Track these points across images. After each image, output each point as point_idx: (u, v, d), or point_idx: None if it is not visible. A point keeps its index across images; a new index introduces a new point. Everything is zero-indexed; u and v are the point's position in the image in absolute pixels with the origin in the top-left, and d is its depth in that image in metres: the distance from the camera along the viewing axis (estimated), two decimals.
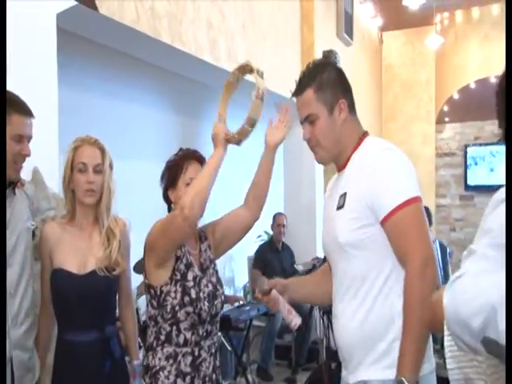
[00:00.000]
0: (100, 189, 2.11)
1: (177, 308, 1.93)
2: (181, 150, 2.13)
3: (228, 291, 5.81)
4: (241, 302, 4.61)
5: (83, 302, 2.05)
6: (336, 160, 1.76)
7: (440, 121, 8.63)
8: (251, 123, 1.90)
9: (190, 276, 1.97)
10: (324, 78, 1.70)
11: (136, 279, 3.58)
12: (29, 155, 2.00)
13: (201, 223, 2.14)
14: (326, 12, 6.35)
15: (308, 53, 5.88)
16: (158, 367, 1.93)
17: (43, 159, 2.48)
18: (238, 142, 1.96)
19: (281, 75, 5.51)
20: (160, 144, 4.97)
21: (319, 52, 5.93)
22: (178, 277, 1.96)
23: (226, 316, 4.05)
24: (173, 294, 1.94)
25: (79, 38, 3.56)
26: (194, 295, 1.94)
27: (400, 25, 8.32)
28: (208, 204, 1.89)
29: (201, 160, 2.07)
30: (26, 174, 2.56)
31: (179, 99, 5.30)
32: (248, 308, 4.51)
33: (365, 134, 1.74)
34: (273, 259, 5.42)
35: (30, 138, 2.01)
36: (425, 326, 1.42)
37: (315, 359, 5.20)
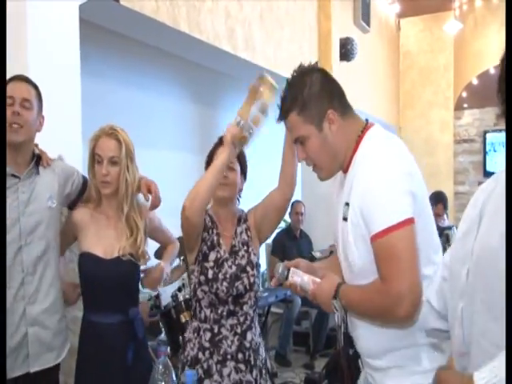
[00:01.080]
0: (116, 180, 2.14)
1: (196, 286, 2.07)
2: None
3: None
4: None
5: (108, 285, 2.12)
6: (340, 168, 1.65)
7: (458, 107, 8.56)
8: (249, 131, 1.88)
9: (211, 257, 2.08)
10: (305, 96, 1.57)
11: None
12: (19, 114, 2.01)
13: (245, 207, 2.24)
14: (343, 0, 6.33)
15: (325, 41, 5.87)
16: (187, 339, 2.11)
17: (67, 148, 2.54)
18: (242, 146, 1.94)
19: (297, 63, 5.52)
20: (178, 133, 5.02)
21: (336, 40, 5.92)
22: (200, 258, 2.08)
23: None
24: (196, 273, 2.08)
25: (100, 29, 3.61)
26: (210, 275, 2.04)
27: (418, 11, 8.24)
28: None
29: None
30: None
31: (197, 88, 5.33)
32: (266, 294, 4.53)
33: (363, 131, 1.60)
34: (291, 246, 5.46)
35: (24, 101, 2.05)
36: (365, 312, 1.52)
37: (333, 345, 5.22)
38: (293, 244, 5.51)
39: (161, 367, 1.66)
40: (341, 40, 5.91)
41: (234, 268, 2.07)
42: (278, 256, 5.32)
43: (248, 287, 2.07)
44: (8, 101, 1.99)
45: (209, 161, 2.14)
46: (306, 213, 5.67)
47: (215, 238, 2.12)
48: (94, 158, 2.16)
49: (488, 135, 8.37)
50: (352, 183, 1.54)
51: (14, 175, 2.03)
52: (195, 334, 2.08)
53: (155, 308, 3.58)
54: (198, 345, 2.05)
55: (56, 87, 2.68)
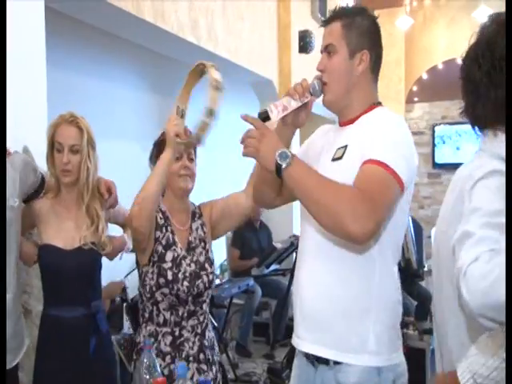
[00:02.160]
0: (77, 168, 2.09)
1: (154, 289, 1.97)
2: None
3: None
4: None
5: (70, 276, 2.08)
6: (341, 112, 1.65)
7: (409, 100, 8.82)
8: (209, 115, 1.75)
9: (168, 257, 1.99)
10: (356, 20, 1.58)
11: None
12: None
13: (199, 200, 2.17)
14: None
15: (284, 32, 5.90)
16: (140, 346, 1.97)
17: (32, 139, 2.48)
18: (199, 140, 1.82)
19: (258, 55, 5.53)
20: (139, 124, 4.94)
21: (295, 32, 5.96)
22: (156, 258, 1.99)
23: None
24: (150, 275, 1.98)
25: (62, 17, 3.50)
26: (170, 277, 1.96)
27: (371, 6, 8.35)
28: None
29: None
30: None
31: (158, 79, 5.25)
32: (228, 286, 4.56)
33: (379, 103, 1.64)
34: (251, 238, 5.47)
35: None
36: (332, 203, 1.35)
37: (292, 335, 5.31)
38: (253, 235, 5.53)
39: (145, 361, 1.64)
40: (299, 32, 5.95)
41: (192, 266, 2.01)
42: (238, 248, 5.35)
43: (207, 285, 2.02)
44: None
45: (155, 155, 2.06)
46: None
47: (170, 236, 2.02)
48: (54, 146, 2.09)
49: (437, 128, 8.67)
50: (356, 132, 1.54)
51: None
52: (151, 339, 1.95)
53: (121, 301, 3.52)
54: (156, 351, 1.93)
55: (22, 76, 2.60)
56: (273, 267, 5.35)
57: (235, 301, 5.08)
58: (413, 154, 1.51)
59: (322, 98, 1.64)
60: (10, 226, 1.99)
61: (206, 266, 2.05)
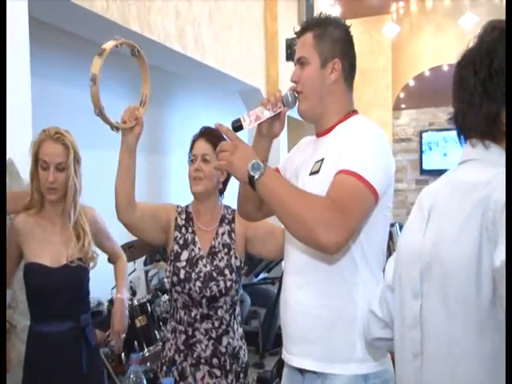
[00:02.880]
0: (64, 185, 2.07)
1: (170, 286, 2.03)
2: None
3: None
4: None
5: (58, 294, 2.06)
6: (317, 121, 1.66)
7: (397, 107, 8.85)
8: (92, 79, 1.77)
9: (183, 256, 2.02)
10: (328, 30, 1.60)
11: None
12: None
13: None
14: (288, 0, 6.39)
15: (272, 41, 5.92)
16: (165, 338, 2.09)
17: (17, 151, 2.44)
18: (98, 111, 1.81)
19: (246, 63, 5.54)
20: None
21: (283, 40, 5.97)
22: (172, 257, 2.03)
23: None
24: (167, 273, 2.04)
25: (48, 27, 3.48)
26: (182, 275, 1.99)
27: (358, 13, 8.43)
28: None
29: (206, 134, 2.07)
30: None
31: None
32: None
33: (355, 112, 1.64)
34: None
35: None
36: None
37: (282, 344, 5.28)
38: None
39: (132, 376, 1.62)
40: (287, 40, 5.95)
41: (208, 267, 2.00)
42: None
43: (224, 291, 1.99)
44: None
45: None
46: None
47: (189, 237, 2.05)
48: (38, 163, 2.07)
49: (424, 135, 8.70)
50: (332, 143, 1.55)
51: None
52: (173, 335, 2.04)
53: (109, 314, 3.49)
54: (175, 346, 2.02)
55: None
56: (262, 276, 5.32)
57: None
58: (389, 162, 1.51)
59: (296, 108, 1.66)
60: None
61: (226, 272, 2.01)
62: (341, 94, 1.62)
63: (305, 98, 1.62)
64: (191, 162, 2.07)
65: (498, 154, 1.11)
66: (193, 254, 2.03)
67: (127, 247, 3.41)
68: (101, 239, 2.28)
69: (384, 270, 1.42)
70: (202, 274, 2.00)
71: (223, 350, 2.02)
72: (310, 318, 1.55)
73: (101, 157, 4.33)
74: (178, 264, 2.01)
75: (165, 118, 5.37)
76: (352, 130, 1.55)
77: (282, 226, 1.50)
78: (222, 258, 2.04)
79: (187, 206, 2.13)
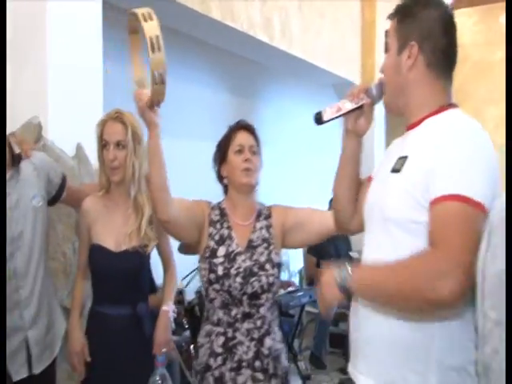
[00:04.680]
0: (124, 164, 2.10)
1: (206, 285, 1.93)
2: None
3: (283, 276, 5.75)
4: None
5: (117, 278, 2.10)
6: (402, 115, 1.52)
7: None
8: (157, 80, 1.59)
9: (220, 252, 1.93)
10: (413, 12, 1.44)
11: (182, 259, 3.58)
12: None
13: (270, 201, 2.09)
14: None
15: (369, 31, 5.67)
16: (199, 344, 1.95)
17: (87, 135, 2.44)
18: (157, 104, 1.66)
19: (339, 54, 5.32)
20: (213, 124, 4.90)
21: (381, 30, 5.67)
22: (208, 254, 1.94)
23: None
24: (203, 272, 1.94)
25: (121, 11, 3.52)
26: (220, 272, 1.89)
27: (472, 2, 7.85)
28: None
29: (248, 127, 2.03)
30: (69, 149, 2.57)
31: (233, 78, 5.21)
32: (300, 294, 4.40)
33: (451, 105, 1.46)
34: (328, 245, 5.25)
35: None
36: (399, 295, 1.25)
37: None
38: (330, 242, 5.28)
39: (157, 379, 1.59)
40: (386, 31, 5.65)
41: (248, 262, 1.91)
42: (314, 254, 5.16)
43: (266, 287, 1.89)
44: None
45: (224, 147, 2.02)
46: None
47: (225, 232, 1.97)
48: (102, 144, 2.13)
49: None
50: (418, 140, 1.41)
51: None
52: (207, 339, 1.92)
53: (178, 304, 3.49)
54: (209, 350, 1.90)
55: (78, 71, 2.63)
56: None
57: (309, 309, 4.92)
58: (492, 166, 1.32)
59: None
60: (35, 226, 2.03)
61: (267, 266, 1.92)
62: (426, 83, 1.45)
63: (386, 91, 1.53)
64: (238, 152, 1.97)
65: None
66: (230, 249, 1.94)
67: None
68: (160, 236, 2.21)
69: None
70: (241, 270, 1.90)
71: (266, 352, 1.89)
72: (381, 337, 1.40)
73: (184, 147, 4.40)
74: (215, 260, 1.91)
75: (256, 111, 5.32)
76: (442, 131, 1.36)
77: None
78: (262, 252, 1.94)
79: (219, 203, 2.05)
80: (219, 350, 1.88)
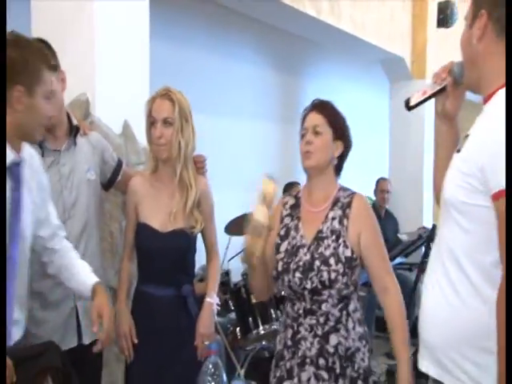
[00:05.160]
0: (170, 142, 2.06)
1: (273, 280, 1.89)
2: None
3: None
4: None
5: (162, 258, 2.08)
6: (477, 90, 1.45)
7: None
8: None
9: (283, 247, 1.87)
10: None
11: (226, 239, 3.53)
12: (55, 114, 1.89)
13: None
14: None
15: (420, 4, 5.43)
16: (279, 332, 1.95)
17: (134, 113, 2.45)
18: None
19: (388, 29, 5.13)
20: (258, 102, 4.84)
21: (434, 3, 5.44)
22: (274, 250, 1.89)
23: None
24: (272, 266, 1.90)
25: None
26: (280, 268, 1.83)
27: None
28: None
29: (316, 106, 1.89)
30: (116, 127, 2.52)
31: (279, 55, 5.11)
32: None
33: None
34: None
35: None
36: None
37: (418, 335, 4.90)
38: None
39: (210, 367, 1.53)
40: (439, 4, 5.39)
41: (308, 256, 1.80)
42: None
43: (327, 283, 1.75)
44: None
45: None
46: (392, 191, 5.36)
47: (293, 224, 1.89)
48: (150, 122, 2.09)
49: None
50: (482, 116, 1.38)
51: (54, 150, 1.99)
52: (282, 328, 1.91)
53: (224, 285, 3.44)
54: (284, 340, 1.87)
55: (124, 49, 2.60)
56: (397, 260, 4.99)
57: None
58: None
59: None
60: (89, 198, 2.07)
61: (331, 261, 1.77)
62: (495, 55, 1.37)
63: (464, 63, 1.47)
64: (302, 136, 1.88)
65: None
66: (294, 242, 1.85)
67: None
68: (206, 221, 2.17)
69: None
70: (301, 263, 1.80)
71: (331, 350, 1.79)
72: (440, 321, 1.41)
73: (218, 122, 4.31)
74: (278, 256, 1.86)
75: (300, 87, 5.20)
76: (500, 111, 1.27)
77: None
78: (329, 245, 1.81)
79: (299, 191, 1.97)
80: (289, 343, 1.85)
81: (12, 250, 1.52)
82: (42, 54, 1.59)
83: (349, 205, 1.86)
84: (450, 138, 1.57)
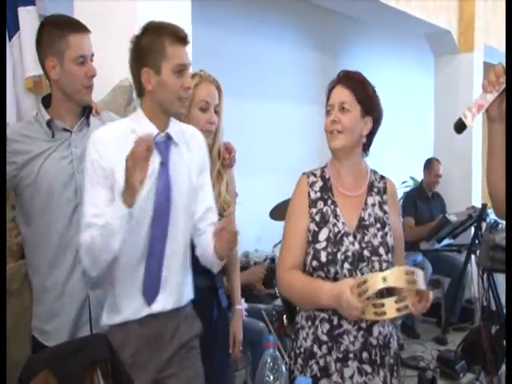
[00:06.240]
0: (218, 128, 2.08)
1: (311, 270, 1.72)
2: None
3: None
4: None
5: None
6: None
7: None
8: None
9: (322, 235, 1.71)
10: None
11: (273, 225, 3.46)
12: (95, 75, 1.85)
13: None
14: None
15: None
16: (298, 325, 1.80)
17: None
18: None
19: (433, 1, 4.93)
20: (298, 83, 4.74)
21: None
22: (310, 238, 1.73)
23: None
24: (308, 257, 1.73)
25: None
26: (324, 258, 1.69)
27: None
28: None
29: (342, 80, 1.77)
30: None
31: (319, 34, 4.98)
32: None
33: None
34: (422, 207, 5.06)
35: (92, 55, 1.86)
36: None
37: (469, 319, 4.80)
38: (424, 204, 5.10)
39: (269, 360, 1.46)
40: None
41: (357, 245, 1.69)
42: (412, 215, 4.95)
43: (371, 271, 1.67)
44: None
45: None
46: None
47: (329, 210, 1.74)
48: (192, 105, 2.04)
49: None
50: None
51: (64, 129, 1.88)
52: (309, 322, 1.76)
53: (270, 272, 3.39)
54: (313, 336, 1.74)
55: None
56: (445, 242, 4.89)
57: None
58: None
59: None
60: None
61: (381, 251, 1.70)
62: None
63: None
64: (327, 113, 1.74)
65: None
66: (335, 229, 1.71)
67: None
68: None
69: None
70: (349, 254, 1.68)
71: (374, 341, 1.71)
72: None
73: (257, 106, 4.25)
74: (318, 246, 1.70)
75: (339, 67, 5.05)
76: None
77: None
78: (375, 234, 1.72)
79: (323, 170, 1.80)
80: (324, 338, 1.72)
81: (164, 216, 1.67)
82: (165, 30, 1.65)
83: (384, 190, 1.79)
84: (504, 138, 1.51)
